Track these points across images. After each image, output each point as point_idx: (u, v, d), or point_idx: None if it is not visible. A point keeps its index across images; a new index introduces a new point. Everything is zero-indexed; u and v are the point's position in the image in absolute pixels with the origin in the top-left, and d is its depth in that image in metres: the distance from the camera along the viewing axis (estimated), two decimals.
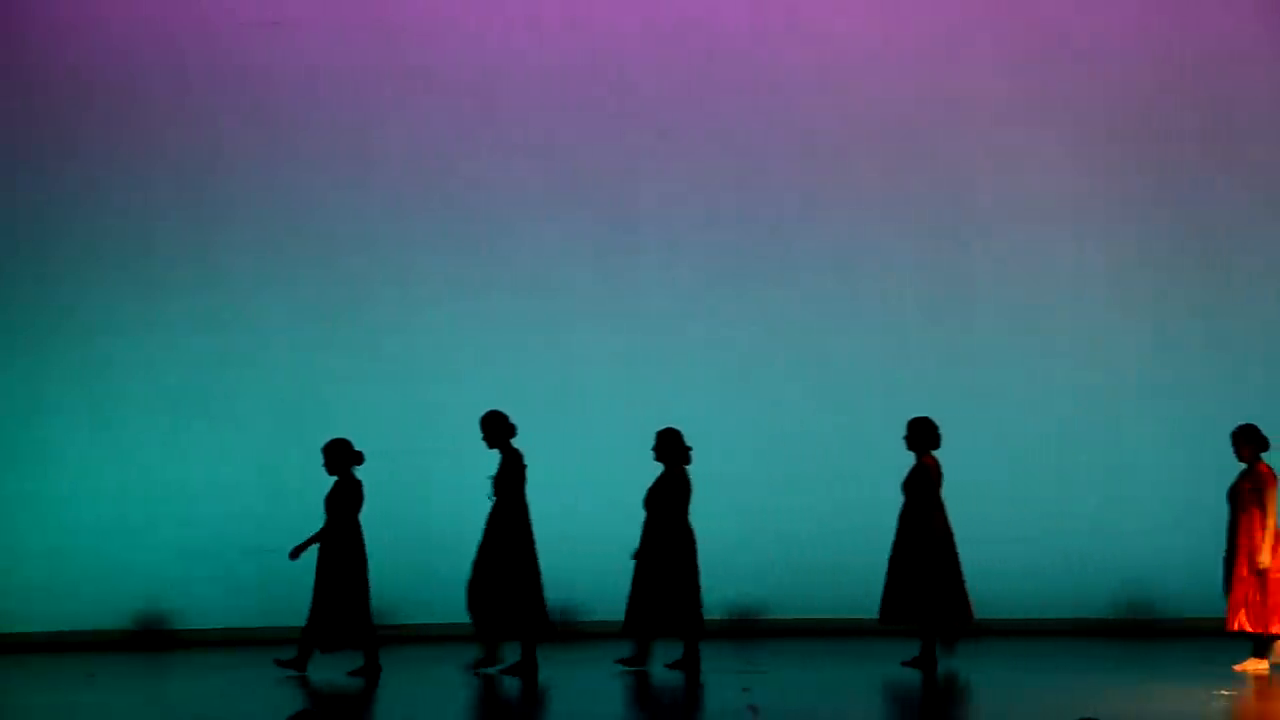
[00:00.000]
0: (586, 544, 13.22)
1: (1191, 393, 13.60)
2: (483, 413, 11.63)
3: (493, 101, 14.39)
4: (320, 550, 11.70)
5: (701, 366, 14.30)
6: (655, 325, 14.33)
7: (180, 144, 14.31)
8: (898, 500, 13.94)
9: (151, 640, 13.58)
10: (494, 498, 11.56)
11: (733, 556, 13.96)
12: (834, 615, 14.02)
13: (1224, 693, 10.70)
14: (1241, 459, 11.45)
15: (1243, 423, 11.44)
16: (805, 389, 14.28)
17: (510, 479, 11.55)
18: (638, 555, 11.87)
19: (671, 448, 11.95)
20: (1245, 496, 11.40)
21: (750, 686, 10.88)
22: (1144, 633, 13.13)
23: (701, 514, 13.42)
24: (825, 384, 14.28)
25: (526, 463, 11.59)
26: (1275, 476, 11.38)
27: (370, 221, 14.39)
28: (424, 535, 13.70)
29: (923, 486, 11.79)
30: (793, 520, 14.04)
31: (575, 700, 11.00)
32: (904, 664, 11.63)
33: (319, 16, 14.40)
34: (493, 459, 11.54)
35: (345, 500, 11.71)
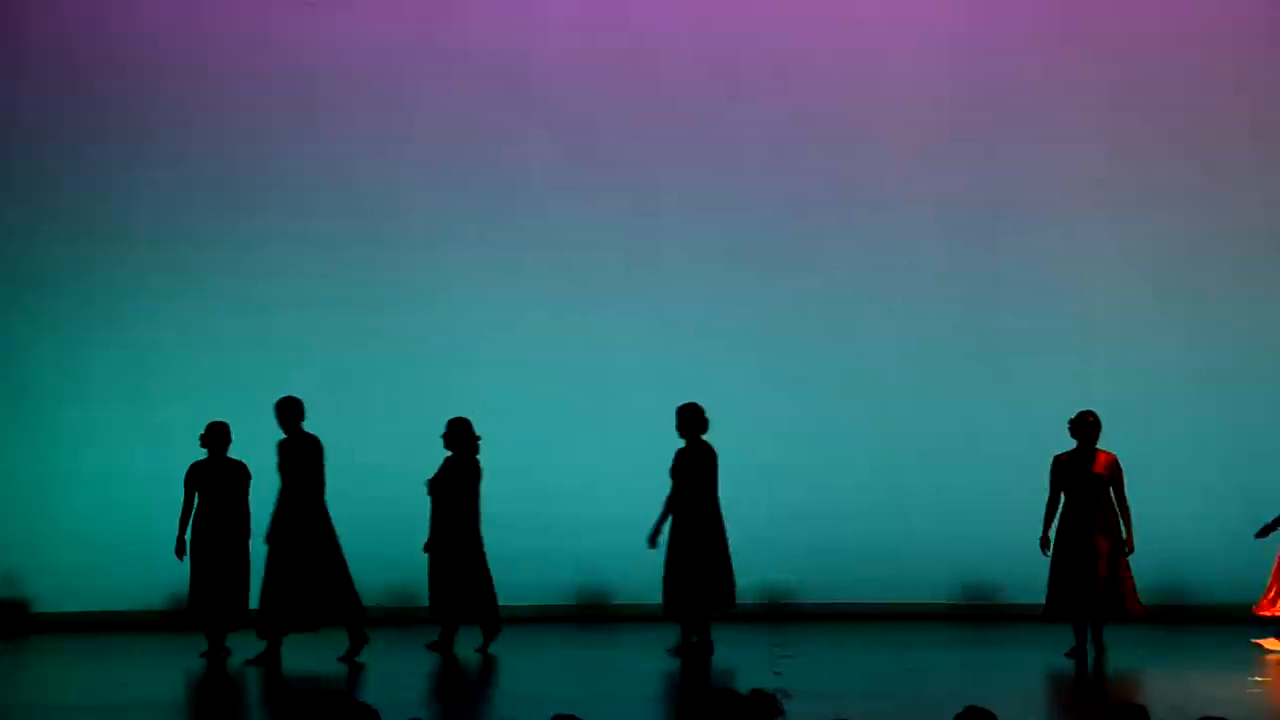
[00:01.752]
0: (615, 527, 13.23)
1: (1229, 380, 13.53)
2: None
3: (524, 85, 14.39)
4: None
5: (730, 351, 14.27)
6: (684, 310, 14.31)
7: (214, 125, 14.33)
8: (928, 484, 13.98)
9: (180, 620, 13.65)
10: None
11: (763, 541, 13.95)
12: (864, 599, 14.01)
13: (1259, 680, 10.70)
14: None
15: None
16: (835, 374, 14.24)
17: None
18: (428, 546, 12.07)
19: (460, 436, 12.08)
20: None
21: (781, 670, 10.90)
22: (1177, 618, 13.11)
23: (732, 498, 13.44)
24: (855, 369, 14.24)
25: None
26: None
27: (404, 203, 14.39)
28: None
29: (688, 472, 11.81)
30: (823, 505, 14.02)
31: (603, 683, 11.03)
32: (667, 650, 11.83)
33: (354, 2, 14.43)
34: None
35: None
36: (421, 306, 14.33)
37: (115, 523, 13.59)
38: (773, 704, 4.70)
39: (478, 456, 12.15)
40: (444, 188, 14.42)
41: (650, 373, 14.13)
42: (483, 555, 12.02)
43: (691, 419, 12.00)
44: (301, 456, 11.87)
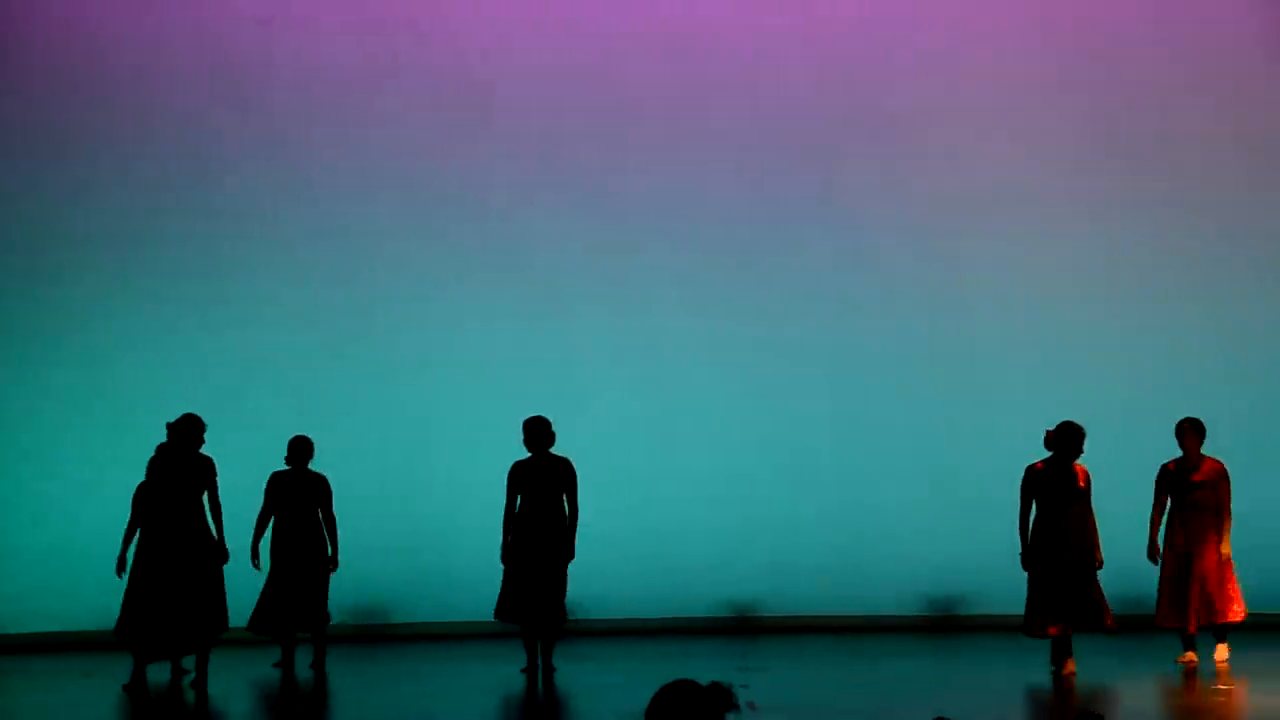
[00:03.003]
0: (591, 543, 13.25)
1: (1203, 388, 13.59)
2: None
3: (490, 97, 14.39)
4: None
5: (698, 363, 14.30)
6: (654, 321, 14.33)
7: (179, 141, 14.31)
8: (897, 497, 14.02)
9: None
10: None
11: (730, 553, 13.98)
12: (830, 612, 14.04)
13: (1221, 688, 10.75)
14: None
15: None
16: (805, 385, 14.28)
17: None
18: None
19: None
20: None
21: (748, 684, 10.89)
22: (1143, 628, 13.18)
23: (700, 510, 13.44)
24: (825, 380, 14.28)
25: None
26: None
27: (371, 219, 14.39)
28: (417, 531, 13.75)
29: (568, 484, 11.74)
30: (789, 517, 14.05)
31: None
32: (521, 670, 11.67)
33: (318, 14, 14.40)
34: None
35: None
36: (390, 322, 14.32)
37: (77, 542, 13.52)
38: (728, 697, 4.73)
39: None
40: (413, 202, 14.41)
41: (621, 384, 14.15)
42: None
43: (535, 432, 11.75)
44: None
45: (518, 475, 11.71)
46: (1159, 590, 11.54)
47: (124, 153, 14.27)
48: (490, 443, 12.73)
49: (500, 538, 11.69)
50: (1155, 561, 11.54)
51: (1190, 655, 11.42)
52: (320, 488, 12.24)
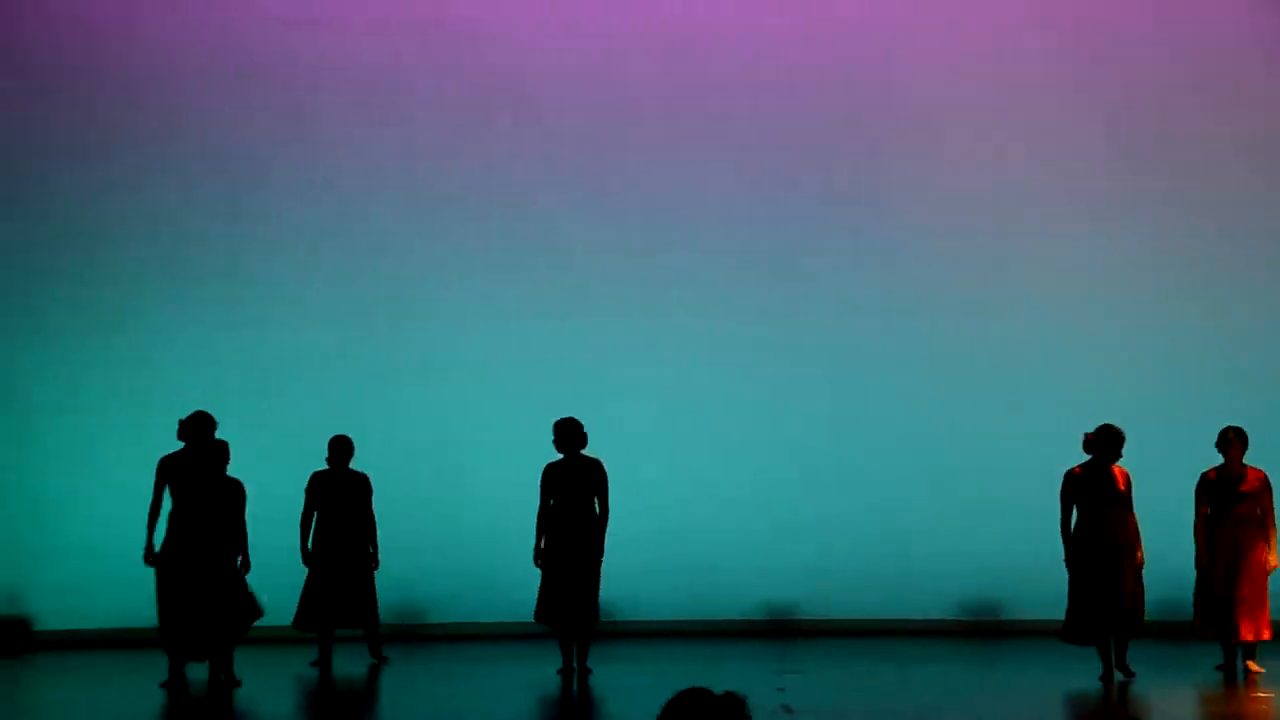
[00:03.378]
0: (626, 546, 13.23)
1: (1238, 388, 13.49)
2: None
3: (518, 99, 14.37)
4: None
5: (731, 367, 14.27)
6: (684, 326, 14.30)
7: (213, 143, 14.34)
8: (935, 500, 13.95)
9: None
10: None
11: (767, 557, 13.94)
12: (868, 616, 13.98)
13: (1261, 694, 10.65)
14: None
15: None
16: (838, 389, 14.23)
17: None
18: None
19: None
20: None
21: (785, 687, 10.85)
22: (1187, 634, 13.09)
23: (736, 514, 13.38)
24: (857, 383, 14.23)
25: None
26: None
27: (404, 223, 14.39)
28: (456, 532, 13.74)
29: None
30: (826, 520, 14.00)
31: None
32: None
33: (348, 16, 14.41)
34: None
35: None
36: (424, 325, 14.32)
37: (115, 539, 13.55)
38: (741, 707, 4.68)
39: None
40: (445, 210, 14.41)
41: (654, 384, 14.12)
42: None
43: (566, 433, 11.73)
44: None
45: (551, 477, 11.70)
46: (1203, 602, 11.34)
47: (162, 156, 14.30)
48: (522, 444, 12.69)
49: (534, 539, 11.67)
50: (1205, 571, 11.34)
51: (1231, 665, 11.30)
52: (361, 486, 12.29)
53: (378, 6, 14.49)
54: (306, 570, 12.23)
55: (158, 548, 11.20)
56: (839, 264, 14.33)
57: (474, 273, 14.36)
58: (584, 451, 11.75)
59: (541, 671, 11.71)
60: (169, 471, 11.27)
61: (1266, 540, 11.31)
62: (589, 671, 11.69)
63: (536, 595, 11.69)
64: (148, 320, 14.18)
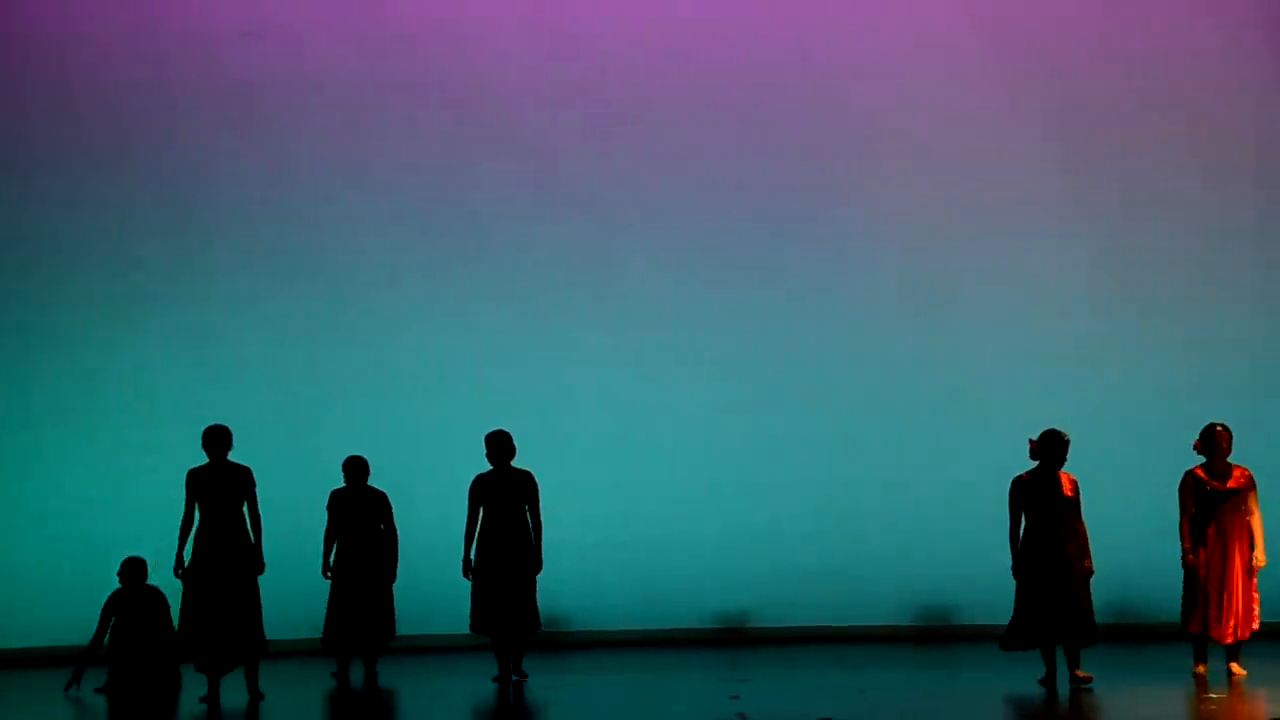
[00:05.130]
0: (577, 554, 13.21)
1: (1184, 395, 13.57)
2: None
3: (481, 109, 14.36)
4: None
5: (685, 372, 14.27)
6: (640, 330, 14.31)
7: (164, 154, 14.28)
8: (887, 506, 13.99)
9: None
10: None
11: (719, 563, 13.95)
12: (819, 622, 14.00)
13: (1213, 696, 10.71)
14: None
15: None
16: (792, 394, 14.25)
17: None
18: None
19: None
20: None
21: (738, 695, 10.85)
22: (1131, 636, 13.14)
23: (688, 520, 13.37)
24: (812, 389, 14.25)
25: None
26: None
27: (357, 230, 14.35)
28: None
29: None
30: (778, 526, 14.02)
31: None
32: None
33: (305, 24, 14.36)
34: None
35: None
36: (378, 336, 14.28)
37: (63, 555, 13.47)
38: None
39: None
40: (401, 215, 14.39)
41: (607, 393, 14.12)
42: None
43: (497, 445, 11.86)
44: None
45: (479, 488, 11.81)
46: (1193, 599, 11.32)
47: (111, 166, 14.24)
48: (471, 453, 12.64)
49: (460, 552, 11.77)
50: (1193, 570, 11.30)
51: (1203, 667, 11.28)
52: (380, 504, 12.34)
53: (331, 12, 14.43)
54: (327, 586, 12.27)
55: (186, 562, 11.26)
56: (789, 273, 14.36)
57: (426, 280, 14.32)
58: (514, 463, 11.86)
59: (478, 681, 11.75)
60: (197, 486, 11.31)
61: (1253, 538, 11.31)
62: (524, 676, 11.81)
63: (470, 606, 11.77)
64: (98, 332, 14.09)
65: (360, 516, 12.31)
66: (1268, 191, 14.29)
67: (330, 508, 12.36)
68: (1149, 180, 14.28)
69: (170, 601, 11.77)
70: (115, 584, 12.14)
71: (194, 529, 11.19)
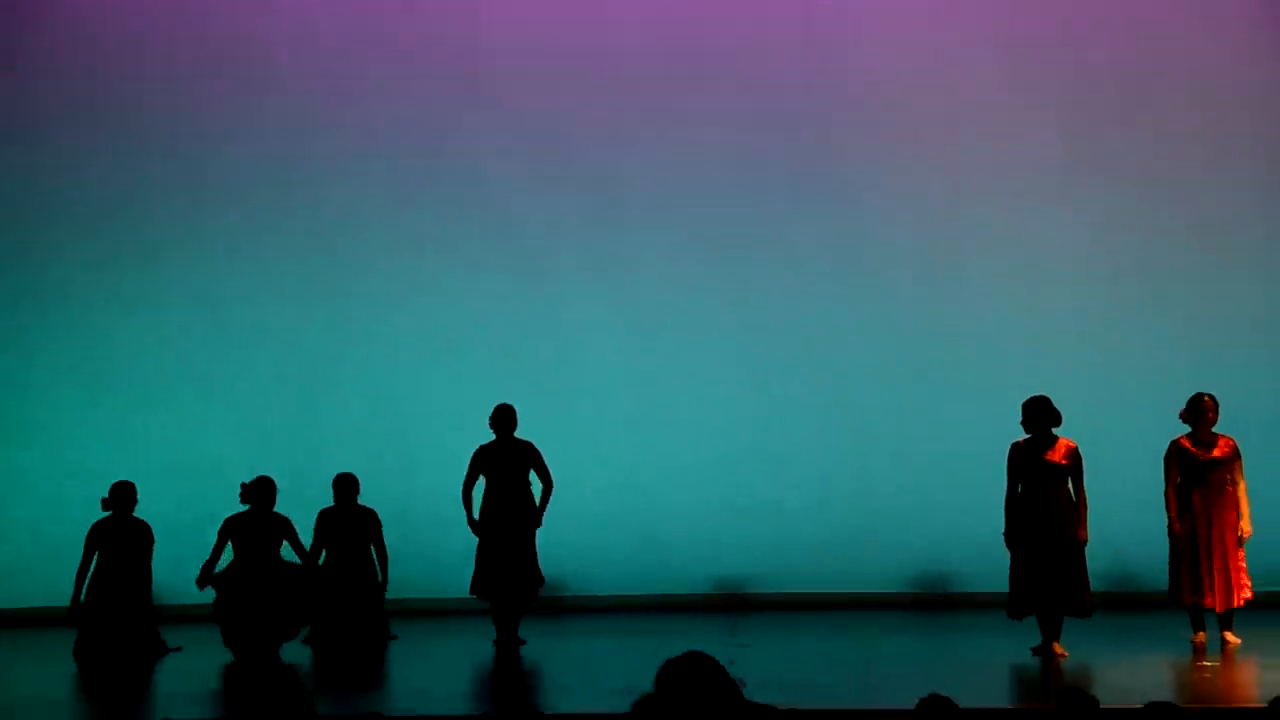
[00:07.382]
0: (580, 521, 13.28)
1: (1187, 372, 13.57)
2: None
3: (485, 79, 14.35)
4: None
5: (690, 343, 14.29)
6: (645, 303, 14.31)
7: (170, 117, 14.27)
8: (888, 474, 14.02)
9: None
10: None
11: (720, 531, 13.98)
12: (821, 589, 14.03)
13: (1208, 664, 10.75)
14: None
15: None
16: (795, 364, 14.27)
17: None
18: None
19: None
20: None
21: (735, 659, 10.90)
22: (1127, 605, 13.19)
23: (692, 489, 13.40)
24: (813, 360, 14.27)
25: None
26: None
27: (364, 197, 14.35)
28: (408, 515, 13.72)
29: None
30: (779, 494, 14.04)
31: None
32: None
33: None
34: None
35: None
36: (384, 301, 14.30)
37: (68, 519, 13.51)
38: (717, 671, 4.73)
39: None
40: (405, 183, 14.38)
41: (612, 367, 14.13)
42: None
43: (500, 417, 12.06)
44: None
45: (481, 457, 12.03)
46: (1179, 570, 11.33)
47: (116, 131, 14.26)
48: (476, 423, 12.67)
49: (464, 515, 11.94)
50: (1178, 540, 11.29)
51: (1202, 635, 11.29)
52: (369, 522, 12.34)
53: None
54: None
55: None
56: (794, 243, 14.36)
57: (431, 250, 14.32)
58: (517, 434, 12.04)
59: (480, 645, 11.81)
60: (234, 532, 11.71)
61: (1239, 508, 11.31)
62: (522, 643, 11.87)
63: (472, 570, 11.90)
64: (101, 297, 14.11)
65: (350, 536, 12.26)
66: (1275, 164, 14.26)
67: (318, 528, 12.26)
68: (1156, 153, 14.26)
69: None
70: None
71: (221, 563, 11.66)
